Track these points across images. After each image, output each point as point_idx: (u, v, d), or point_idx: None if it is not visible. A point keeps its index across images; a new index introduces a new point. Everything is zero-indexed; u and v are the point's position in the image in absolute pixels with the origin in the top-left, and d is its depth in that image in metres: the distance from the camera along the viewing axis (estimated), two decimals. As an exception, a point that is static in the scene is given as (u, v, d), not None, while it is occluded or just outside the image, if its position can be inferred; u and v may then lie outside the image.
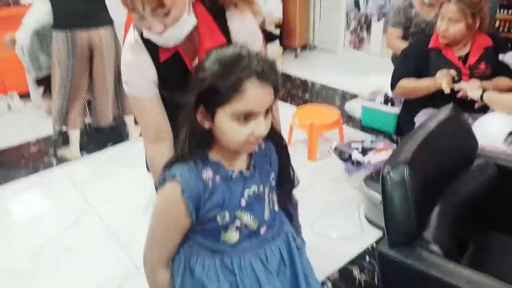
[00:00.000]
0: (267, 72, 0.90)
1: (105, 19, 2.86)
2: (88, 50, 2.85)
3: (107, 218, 2.45)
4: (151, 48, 1.22)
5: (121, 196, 2.62)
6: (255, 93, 0.88)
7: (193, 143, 0.97)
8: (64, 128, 3.09)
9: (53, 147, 3.25)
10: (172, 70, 1.25)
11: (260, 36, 1.36)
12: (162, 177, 0.99)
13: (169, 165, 1.00)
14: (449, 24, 2.17)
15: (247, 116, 0.90)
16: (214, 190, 0.98)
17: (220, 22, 1.25)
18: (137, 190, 2.54)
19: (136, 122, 1.34)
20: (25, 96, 3.87)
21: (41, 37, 3.17)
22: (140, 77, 1.24)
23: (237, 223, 1.02)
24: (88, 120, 3.33)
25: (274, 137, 1.08)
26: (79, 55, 2.83)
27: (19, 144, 3.33)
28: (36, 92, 3.54)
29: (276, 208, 1.12)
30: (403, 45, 2.73)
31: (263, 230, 1.07)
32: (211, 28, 1.23)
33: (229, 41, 1.26)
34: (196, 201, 0.96)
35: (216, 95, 0.88)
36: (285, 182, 1.15)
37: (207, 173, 0.98)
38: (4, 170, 2.98)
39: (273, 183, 1.11)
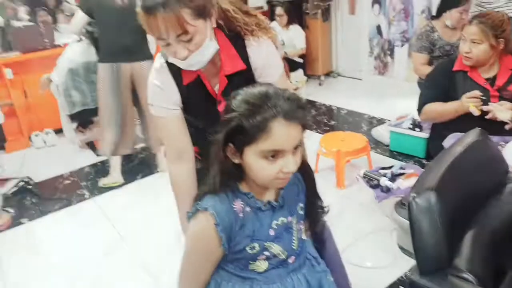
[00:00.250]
0: (294, 111, 0.91)
1: (146, 54, 3.00)
2: (130, 82, 2.99)
3: (138, 249, 2.48)
4: (175, 72, 1.28)
5: (151, 227, 2.66)
6: (281, 132, 0.89)
7: (225, 177, 0.99)
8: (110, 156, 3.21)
9: (85, 180, 3.36)
10: (195, 93, 1.31)
11: (279, 61, 1.39)
12: (194, 208, 1.01)
13: (200, 196, 1.02)
14: (471, 46, 2.16)
15: (274, 154, 0.92)
16: (244, 221, 1.00)
17: (239, 48, 1.29)
18: (167, 221, 2.56)
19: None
20: (59, 131, 4.03)
21: (75, 76, 3.35)
22: (164, 99, 1.31)
23: (266, 253, 1.03)
24: (140, 146, 3.49)
25: (301, 167, 1.08)
26: (124, 85, 2.97)
27: (53, 177, 3.45)
28: (69, 127, 3.70)
29: (304, 237, 1.13)
30: (429, 70, 2.71)
31: (291, 259, 1.08)
32: (231, 54, 1.29)
33: (248, 66, 1.31)
34: (228, 232, 0.98)
35: (243, 134, 0.91)
36: (313, 211, 1.15)
37: (238, 204, 0.99)
38: (40, 203, 3.09)
39: (301, 212, 1.11)
